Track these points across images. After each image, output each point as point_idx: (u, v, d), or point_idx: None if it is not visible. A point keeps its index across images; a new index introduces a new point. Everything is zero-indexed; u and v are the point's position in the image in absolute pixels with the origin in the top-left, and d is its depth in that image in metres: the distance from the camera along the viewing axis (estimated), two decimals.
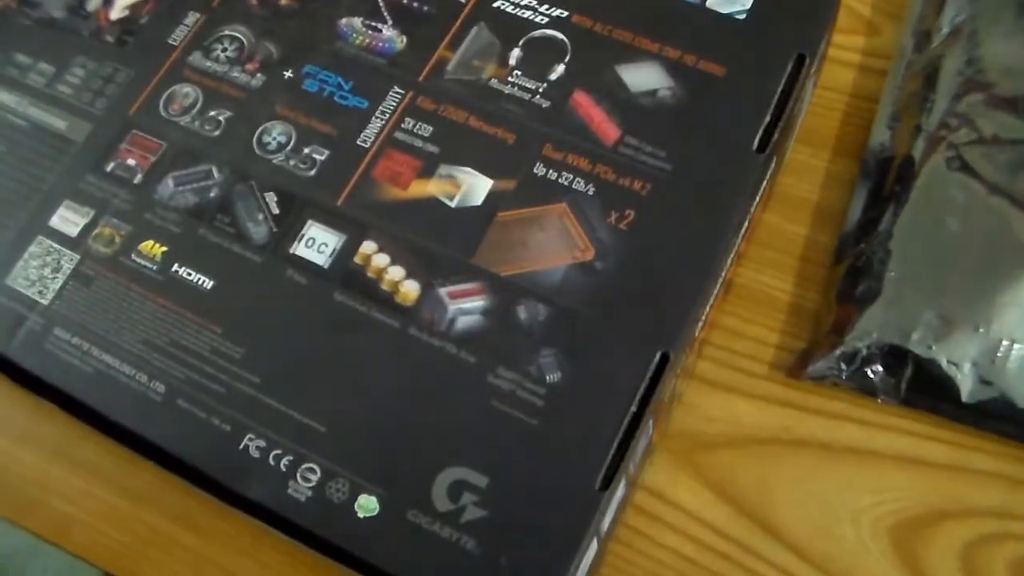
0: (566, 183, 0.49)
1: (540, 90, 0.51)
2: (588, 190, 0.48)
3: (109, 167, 0.51)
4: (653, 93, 0.50)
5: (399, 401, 0.45)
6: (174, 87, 0.53)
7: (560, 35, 0.52)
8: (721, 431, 0.49)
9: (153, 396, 0.47)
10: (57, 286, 0.49)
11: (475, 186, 0.49)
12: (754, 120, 0.49)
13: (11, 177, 0.51)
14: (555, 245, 0.47)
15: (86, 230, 0.50)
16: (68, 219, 0.51)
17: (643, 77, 0.51)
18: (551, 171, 0.49)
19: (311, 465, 0.45)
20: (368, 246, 0.48)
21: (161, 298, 0.48)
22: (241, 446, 0.45)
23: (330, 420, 0.45)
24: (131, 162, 0.51)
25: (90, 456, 0.51)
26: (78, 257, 0.49)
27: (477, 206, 0.48)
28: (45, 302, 0.49)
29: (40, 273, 0.49)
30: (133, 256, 0.49)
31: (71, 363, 0.47)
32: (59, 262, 0.49)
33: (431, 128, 0.50)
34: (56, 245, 0.50)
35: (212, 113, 0.52)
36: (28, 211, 0.50)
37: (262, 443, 0.45)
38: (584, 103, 0.51)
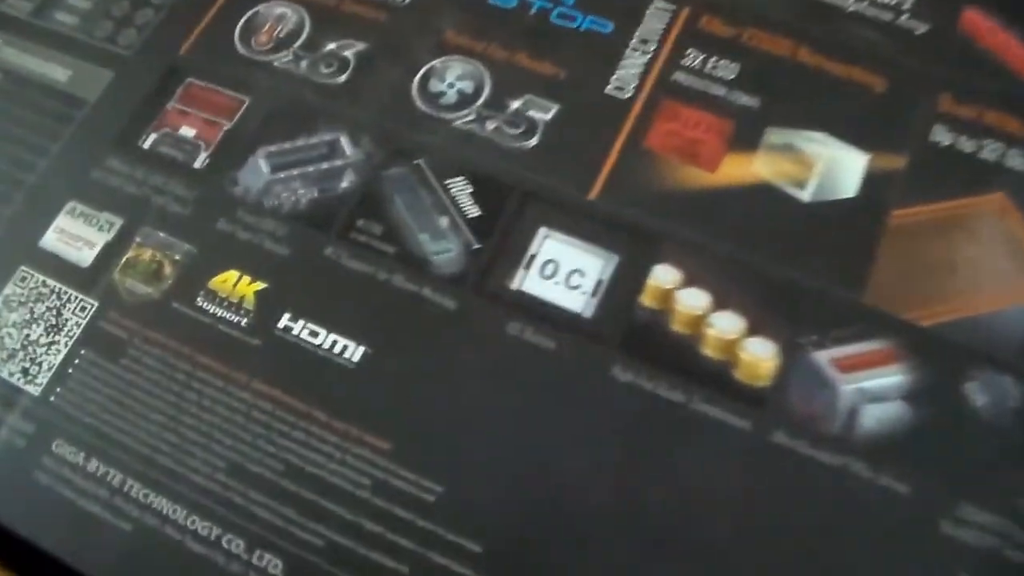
0: (993, 157, 0.36)
1: (906, 5, 0.39)
2: None
3: (147, 142, 0.39)
4: None
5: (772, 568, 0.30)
6: (258, 6, 0.41)
7: None
8: None
9: None
10: (56, 360, 0.35)
11: (839, 164, 0.36)
12: None
13: None
14: (1003, 266, 0.34)
15: (108, 254, 0.37)
16: (75, 235, 0.37)
17: None
18: (962, 138, 0.36)
19: None
20: (663, 274, 0.34)
21: (262, 382, 0.33)
22: None
23: None
24: (187, 132, 0.39)
25: None
26: (94, 304, 0.36)
27: (850, 199, 0.35)
28: (34, 391, 0.35)
29: (24, 335, 0.35)
30: (200, 300, 0.35)
31: (87, 511, 0.32)
32: (59, 313, 0.36)
33: (736, 65, 0.38)
34: (53, 282, 0.37)
35: (331, 46, 0.40)
36: (4, 221, 0.38)
37: None
38: (983, 26, 0.38)
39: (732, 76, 0.37)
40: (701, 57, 0.38)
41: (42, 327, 0.35)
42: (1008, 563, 0.30)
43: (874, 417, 0.32)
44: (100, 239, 0.37)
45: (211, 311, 0.34)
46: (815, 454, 0.31)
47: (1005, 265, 0.34)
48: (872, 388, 0.32)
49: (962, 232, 0.35)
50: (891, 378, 0.32)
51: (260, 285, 0.35)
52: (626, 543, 0.30)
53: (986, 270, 0.34)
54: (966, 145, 0.36)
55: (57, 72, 0.41)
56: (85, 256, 0.36)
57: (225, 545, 0.31)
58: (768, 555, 0.30)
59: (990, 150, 0.35)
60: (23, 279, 0.36)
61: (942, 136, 0.36)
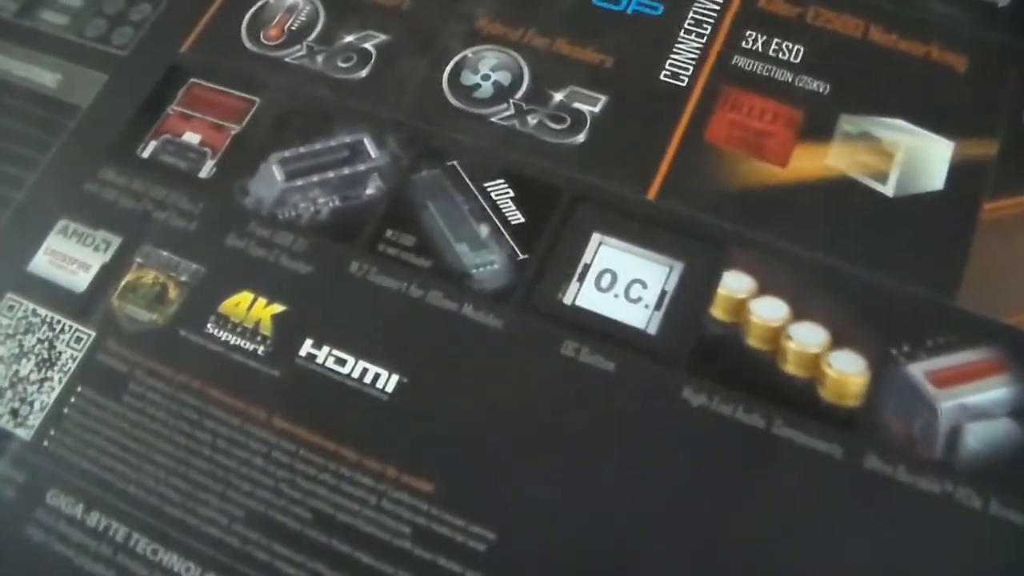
0: None
1: None
2: None
3: (146, 150, 0.37)
4: None
5: None
6: None
7: None
8: None
9: None
10: (50, 399, 0.33)
11: (922, 153, 0.34)
12: None
13: None
14: None
15: (105, 277, 0.35)
16: (67, 256, 0.36)
17: None
18: None
19: None
20: (735, 282, 0.32)
21: (283, 418, 0.31)
22: None
23: None
24: (190, 138, 0.37)
25: None
26: (91, 334, 0.34)
27: (937, 192, 0.33)
28: (25, 434, 0.33)
29: (13, 371, 0.34)
30: (210, 326, 0.33)
31: (87, 571, 0.30)
32: (52, 346, 0.34)
33: (800, 48, 0.36)
34: (44, 311, 0.35)
35: (349, 38, 0.38)
36: None
37: None
38: None
39: (798, 59, 0.36)
40: (763, 39, 0.36)
41: (33, 362, 0.33)
42: None
43: (979, 437, 0.30)
44: (96, 260, 0.35)
45: (223, 338, 0.33)
46: (915, 481, 0.29)
47: None
48: (975, 404, 0.30)
49: None
50: (995, 392, 0.30)
51: (278, 308, 0.33)
52: None
53: None
54: None
55: (45, 77, 0.39)
56: (80, 280, 0.35)
57: None
58: None
59: None
60: (10, 308, 0.34)
61: None
